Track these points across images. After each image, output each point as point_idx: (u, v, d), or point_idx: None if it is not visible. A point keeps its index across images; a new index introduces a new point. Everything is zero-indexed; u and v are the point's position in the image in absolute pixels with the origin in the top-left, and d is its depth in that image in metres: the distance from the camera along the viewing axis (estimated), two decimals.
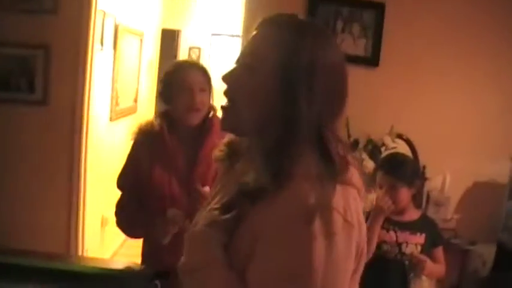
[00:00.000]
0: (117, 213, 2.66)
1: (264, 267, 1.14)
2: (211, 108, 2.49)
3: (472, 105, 3.89)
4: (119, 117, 5.25)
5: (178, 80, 2.43)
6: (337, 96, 1.26)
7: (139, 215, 2.51)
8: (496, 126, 3.86)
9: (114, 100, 5.00)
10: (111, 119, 4.98)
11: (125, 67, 5.24)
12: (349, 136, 3.68)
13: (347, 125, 3.67)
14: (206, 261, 1.20)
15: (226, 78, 1.29)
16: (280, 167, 1.17)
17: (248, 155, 1.32)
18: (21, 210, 4.02)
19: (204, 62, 8.78)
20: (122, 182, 2.64)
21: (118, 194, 5.32)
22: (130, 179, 2.57)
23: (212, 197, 1.42)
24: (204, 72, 2.48)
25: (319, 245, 1.10)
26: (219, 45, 8.92)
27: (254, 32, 1.30)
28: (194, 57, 8.92)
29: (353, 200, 1.20)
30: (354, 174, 1.23)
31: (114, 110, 5.01)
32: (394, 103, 3.87)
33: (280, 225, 1.14)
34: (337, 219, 1.13)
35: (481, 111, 3.88)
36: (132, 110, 5.79)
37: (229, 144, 1.43)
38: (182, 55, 8.85)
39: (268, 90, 1.22)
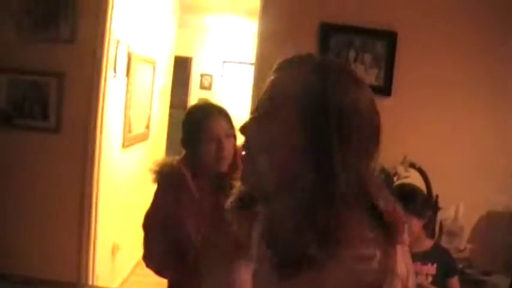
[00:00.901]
0: (153, 258, 2.54)
1: None
2: (236, 150, 2.43)
3: (485, 134, 3.86)
4: (131, 144, 5.26)
5: (205, 129, 2.39)
6: (370, 139, 1.14)
7: (180, 262, 2.42)
8: (510, 155, 3.82)
9: (127, 127, 5.02)
10: (123, 146, 4.99)
11: (137, 94, 5.26)
12: None
13: None
14: None
15: (243, 129, 1.17)
16: (327, 230, 1.04)
17: (277, 214, 1.17)
18: (32, 236, 4.03)
19: (215, 88, 8.86)
20: (151, 223, 2.56)
21: (130, 220, 5.33)
22: (161, 221, 2.50)
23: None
24: (227, 117, 2.46)
25: None
26: (230, 72, 8.98)
27: (271, 77, 1.18)
28: (206, 84, 8.98)
29: (408, 259, 1.12)
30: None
31: (126, 137, 5.02)
32: (406, 132, 3.85)
33: None
34: (398, 285, 1.04)
35: (495, 141, 3.85)
36: (144, 137, 5.81)
37: (243, 194, 1.28)
38: (194, 82, 8.91)
39: (291, 137, 1.09)
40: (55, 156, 4.01)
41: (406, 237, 1.11)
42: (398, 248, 1.07)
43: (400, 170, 3.63)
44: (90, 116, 3.98)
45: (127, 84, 4.92)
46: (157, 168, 2.51)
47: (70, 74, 3.93)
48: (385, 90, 3.85)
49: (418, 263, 2.78)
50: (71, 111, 3.96)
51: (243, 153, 1.18)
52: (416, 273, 2.76)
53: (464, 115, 3.88)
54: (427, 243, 2.89)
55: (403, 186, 3.21)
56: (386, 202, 1.10)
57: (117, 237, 4.94)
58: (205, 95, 8.37)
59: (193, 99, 8.62)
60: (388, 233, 1.06)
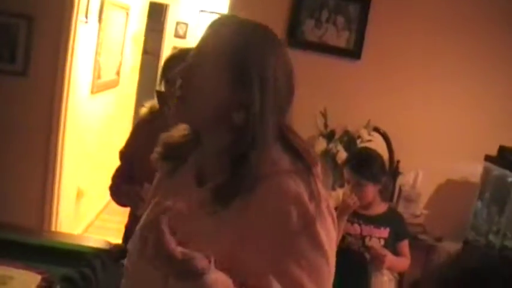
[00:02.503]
0: (113, 188, 2.77)
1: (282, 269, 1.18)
2: None
3: (449, 104, 3.93)
4: (100, 90, 5.24)
5: (163, 68, 2.58)
6: (285, 94, 1.29)
7: (124, 185, 2.62)
8: (471, 126, 3.90)
9: (96, 73, 4.98)
10: (92, 92, 4.96)
11: (109, 40, 5.21)
12: (326, 126, 3.71)
13: (325, 115, 3.71)
14: None
15: (179, 74, 1.31)
16: (251, 165, 1.21)
17: (204, 155, 1.36)
18: None
19: (190, 37, 8.76)
20: (120, 154, 2.79)
21: (95, 166, 5.35)
22: (127, 151, 2.75)
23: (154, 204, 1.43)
24: None
25: (322, 235, 1.21)
26: (206, 22, 8.85)
27: (206, 32, 1.32)
28: (181, 32, 8.87)
29: (325, 191, 1.29)
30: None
31: (95, 83, 4.99)
32: (373, 97, 3.90)
33: (277, 225, 1.20)
34: (324, 211, 1.24)
35: (458, 111, 3.93)
36: (114, 84, 5.78)
37: (168, 145, 1.43)
38: (169, 30, 8.80)
39: (218, 82, 1.25)
40: (22, 99, 3.97)
41: (319, 171, 1.28)
42: (317, 179, 1.26)
43: (364, 133, 3.69)
44: (59, 61, 3.93)
45: (99, 30, 4.86)
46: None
47: (40, 16, 3.85)
48: (354, 53, 3.88)
49: (372, 226, 2.87)
50: (40, 55, 3.91)
51: (178, 93, 1.31)
52: (370, 236, 2.86)
53: (431, 84, 3.92)
54: (381, 207, 2.96)
55: (362, 150, 3.28)
56: (301, 143, 1.30)
57: (82, 182, 4.96)
58: (179, 44, 8.29)
59: (167, 47, 8.54)
60: (305, 165, 1.25)
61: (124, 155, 2.77)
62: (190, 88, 1.27)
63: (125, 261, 1.51)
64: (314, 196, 1.21)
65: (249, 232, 1.21)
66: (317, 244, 1.20)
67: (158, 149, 1.44)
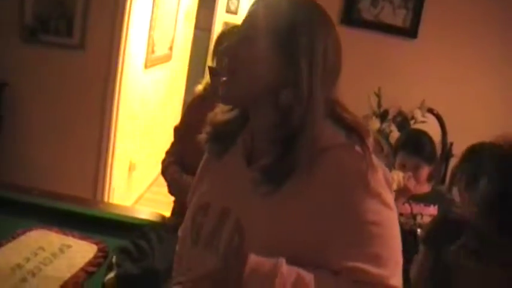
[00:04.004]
0: (163, 166, 2.70)
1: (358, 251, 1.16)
2: None
3: (506, 88, 3.83)
4: (154, 65, 5.29)
5: (219, 46, 2.48)
6: (334, 70, 1.27)
7: (177, 174, 2.57)
8: None
9: (150, 48, 5.03)
10: (145, 66, 5.02)
11: (162, 15, 5.24)
12: (379, 106, 3.67)
13: (379, 95, 3.67)
14: None
15: (225, 51, 1.28)
16: (301, 144, 1.19)
17: (252, 134, 1.34)
18: (52, 152, 4.14)
19: (242, 13, 8.74)
20: (175, 130, 2.76)
21: (147, 140, 5.42)
22: (180, 128, 2.72)
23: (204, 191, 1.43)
24: None
25: (388, 198, 1.22)
26: None
27: (253, 7, 1.29)
28: (232, 8, 8.86)
29: (384, 167, 1.28)
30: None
31: (149, 57, 5.04)
32: (428, 77, 3.84)
33: (340, 200, 1.18)
34: (382, 180, 1.23)
35: None
36: (166, 58, 5.82)
37: (216, 124, 1.40)
38: (220, 5, 8.80)
39: (266, 58, 1.22)
40: (78, 73, 4.06)
41: (371, 142, 1.25)
42: (371, 150, 1.23)
43: (417, 114, 3.64)
44: (114, 35, 4.00)
45: (153, 5, 4.90)
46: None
47: None
48: (411, 32, 3.82)
49: (421, 204, 2.89)
50: (96, 29, 3.98)
51: (226, 69, 1.28)
52: (421, 214, 2.87)
53: (488, 65, 3.83)
54: (427, 187, 2.97)
55: (416, 134, 3.23)
56: (351, 116, 1.27)
57: (134, 156, 5.04)
58: (231, 19, 8.29)
59: (218, 23, 8.55)
60: (359, 137, 1.23)
61: (178, 131, 2.77)
62: (239, 64, 1.24)
63: (176, 247, 1.52)
64: (371, 167, 1.19)
65: (311, 211, 1.18)
66: (383, 203, 1.20)
67: (206, 129, 1.41)
